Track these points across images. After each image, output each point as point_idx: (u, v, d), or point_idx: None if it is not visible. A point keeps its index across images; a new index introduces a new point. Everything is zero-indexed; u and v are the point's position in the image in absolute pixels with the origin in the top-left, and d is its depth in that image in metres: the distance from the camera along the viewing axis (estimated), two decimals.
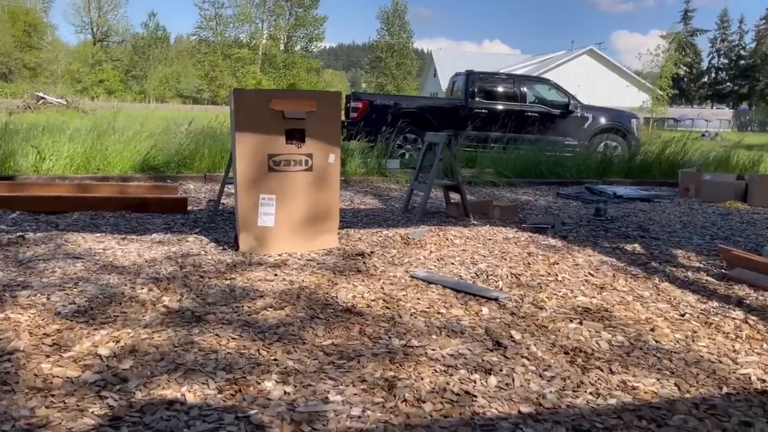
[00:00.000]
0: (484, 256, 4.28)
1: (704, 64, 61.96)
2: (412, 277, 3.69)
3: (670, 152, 10.34)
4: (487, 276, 3.77)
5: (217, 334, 2.67)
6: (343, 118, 12.14)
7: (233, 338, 2.64)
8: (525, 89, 11.97)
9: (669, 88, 42.69)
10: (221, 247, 4.32)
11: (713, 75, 61.12)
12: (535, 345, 2.71)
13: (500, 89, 12.07)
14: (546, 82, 12.76)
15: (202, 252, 4.17)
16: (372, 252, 4.26)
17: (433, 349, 2.61)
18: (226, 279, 3.52)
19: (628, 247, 4.75)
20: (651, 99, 41.41)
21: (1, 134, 7.58)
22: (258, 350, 2.53)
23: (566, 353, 2.64)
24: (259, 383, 2.25)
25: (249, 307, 3.03)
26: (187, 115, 12.41)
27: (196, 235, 4.71)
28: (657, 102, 40.89)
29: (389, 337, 2.72)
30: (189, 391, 2.17)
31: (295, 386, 2.24)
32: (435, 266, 3.99)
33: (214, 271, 3.69)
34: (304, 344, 2.62)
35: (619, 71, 46.07)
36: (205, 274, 3.60)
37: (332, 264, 3.92)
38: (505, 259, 4.20)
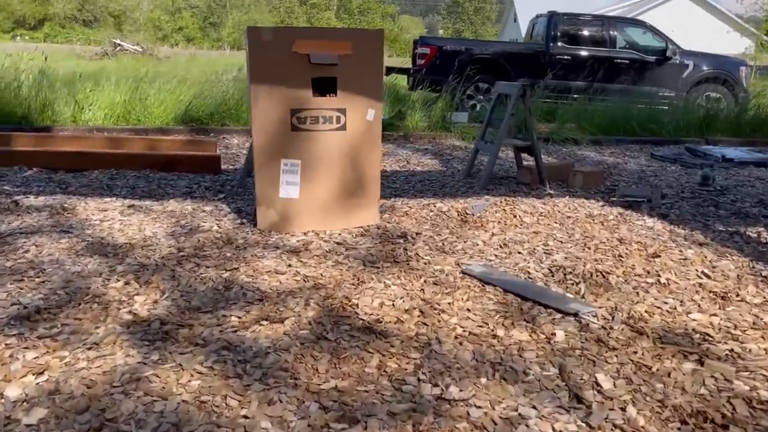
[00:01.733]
0: (561, 243, 3.37)
1: None
2: (463, 273, 2.84)
3: None
4: (565, 274, 2.87)
5: (180, 365, 1.94)
6: (409, 65, 11.16)
7: (199, 373, 1.90)
8: (615, 33, 10.57)
9: None
10: (239, 221, 3.59)
11: None
12: (633, 402, 1.83)
13: (587, 33, 10.69)
14: (640, 24, 11.23)
15: (215, 227, 3.45)
16: (418, 233, 3.42)
17: (480, 406, 1.78)
18: (227, 269, 2.78)
19: (751, 232, 3.70)
20: (754, 45, 37.63)
21: (38, 82, 7.10)
22: (226, 398, 1.77)
23: (684, 422, 1.75)
24: None
25: (239, 318, 2.28)
26: (237, 62, 11.73)
27: (217, 203, 4.01)
28: (762, 48, 37.11)
29: (418, 380, 1.90)
30: None
31: None
32: (496, 256, 3.12)
33: (216, 256, 2.96)
34: (296, 388, 1.84)
35: (719, 14, 42.06)
36: (204, 261, 2.88)
37: (364, 250, 3.11)
38: (589, 248, 3.26)
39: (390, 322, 2.29)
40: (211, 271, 2.76)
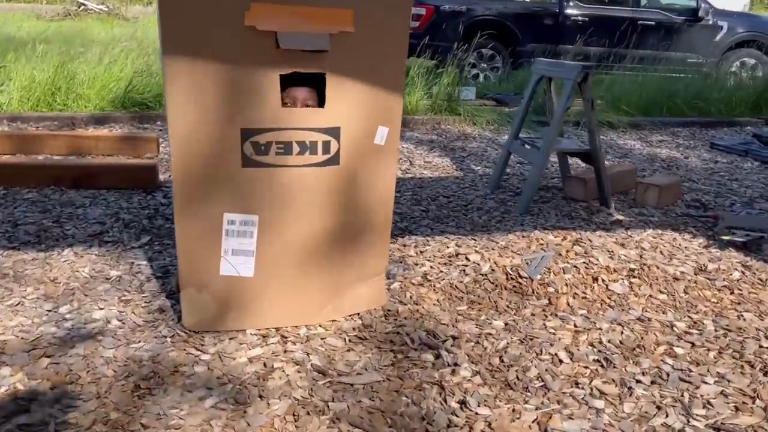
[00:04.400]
0: (694, 346, 2.01)
1: None
2: None
3: None
4: None
5: None
6: None
7: None
8: None
9: None
10: (158, 303, 2.19)
11: None
12: None
13: None
14: None
15: (113, 322, 2.05)
16: (455, 336, 2.04)
17: None
18: None
19: None
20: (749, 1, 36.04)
21: None
22: None
23: None
24: None
25: None
26: None
27: (134, 257, 2.59)
28: (762, 2, 35.57)
29: None
30: None
31: None
32: (604, 394, 1.75)
33: (88, 425, 1.56)
34: None
35: None
36: None
37: (367, 394, 1.72)
38: (749, 363, 1.91)
39: None
40: None
